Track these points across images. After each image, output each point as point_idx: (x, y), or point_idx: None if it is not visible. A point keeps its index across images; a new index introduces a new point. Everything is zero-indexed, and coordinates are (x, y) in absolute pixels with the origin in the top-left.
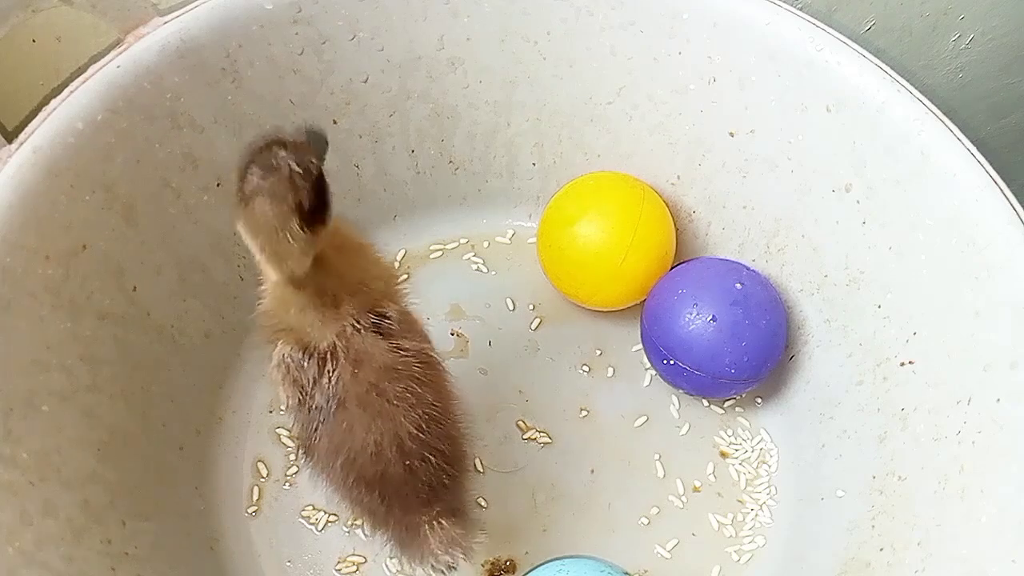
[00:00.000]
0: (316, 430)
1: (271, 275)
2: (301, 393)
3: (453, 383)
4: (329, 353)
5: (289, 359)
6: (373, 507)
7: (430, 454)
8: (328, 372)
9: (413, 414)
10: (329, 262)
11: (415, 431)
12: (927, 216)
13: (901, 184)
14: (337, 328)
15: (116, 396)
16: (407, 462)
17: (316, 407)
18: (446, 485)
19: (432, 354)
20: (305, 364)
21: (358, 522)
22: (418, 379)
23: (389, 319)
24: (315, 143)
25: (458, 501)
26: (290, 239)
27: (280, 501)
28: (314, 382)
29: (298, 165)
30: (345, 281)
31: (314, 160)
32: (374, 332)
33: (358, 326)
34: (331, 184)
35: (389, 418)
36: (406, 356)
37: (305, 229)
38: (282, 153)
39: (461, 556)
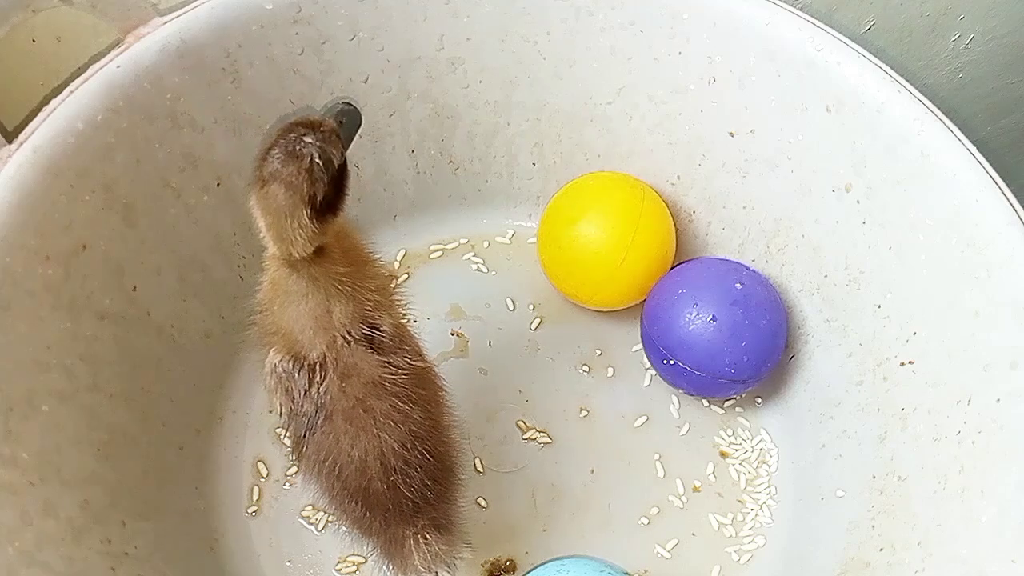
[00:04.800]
0: (304, 437)
1: (271, 248)
2: (292, 403)
3: (446, 397)
4: (318, 364)
5: (280, 369)
6: (358, 517)
7: (414, 471)
8: (317, 383)
9: (398, 431)
10: (331, 257)
11: (399, 448)
12: (927, 216)
13: (901, 184)
14: (327, 338)
15: (116, 396)
16: (390, 478)
17: (305, 414)
18: (430, 500)
19: (425, 370)
20: (296, 375)
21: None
22: (406, 396)
23: (382, 333)
24: (347, 125)
25: (444, 515)
26: (298, 227)
27: (280, 501)
28: (304, 392)
29: (320, 156)
30: (340, 281)
31: (338, 150)
32: (365, 345)
33: (349, 338)
34: None
35: (373, 434)
36: (396, 373)
37: (314, 221)
38: (308, 139)
39: (445, 571)
